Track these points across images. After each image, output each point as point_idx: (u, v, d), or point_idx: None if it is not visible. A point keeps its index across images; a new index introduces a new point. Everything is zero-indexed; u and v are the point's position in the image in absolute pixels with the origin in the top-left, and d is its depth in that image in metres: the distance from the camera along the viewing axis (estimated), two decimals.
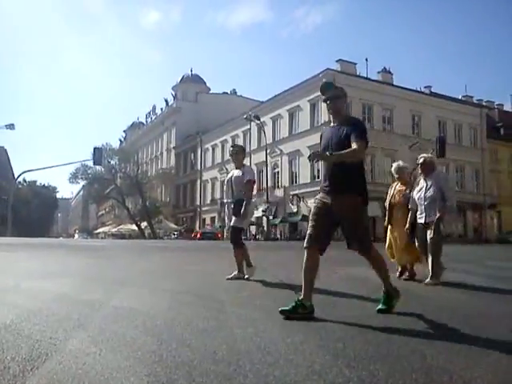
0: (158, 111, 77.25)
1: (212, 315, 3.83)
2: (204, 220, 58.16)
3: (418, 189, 6.44)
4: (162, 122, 72.42)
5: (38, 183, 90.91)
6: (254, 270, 6.60)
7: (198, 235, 45.03)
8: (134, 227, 63.00)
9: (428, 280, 6.04)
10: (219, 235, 48.44)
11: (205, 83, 75.49)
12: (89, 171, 63.16)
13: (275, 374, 2.32)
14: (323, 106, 39.35)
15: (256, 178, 41.77)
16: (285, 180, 44.11)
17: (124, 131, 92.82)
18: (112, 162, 63.63)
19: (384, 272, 4.05)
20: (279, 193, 43.93)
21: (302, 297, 3.81)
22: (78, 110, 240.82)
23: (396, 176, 7.11)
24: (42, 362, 2.48)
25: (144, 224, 61.19)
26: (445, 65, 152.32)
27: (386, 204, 7.15)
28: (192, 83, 72.62)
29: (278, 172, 45.33)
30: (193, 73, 75.11)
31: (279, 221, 42.65)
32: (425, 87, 50.11)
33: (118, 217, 77.42)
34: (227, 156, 53.81)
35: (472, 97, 55.69)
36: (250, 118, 44.15)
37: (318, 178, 39.07)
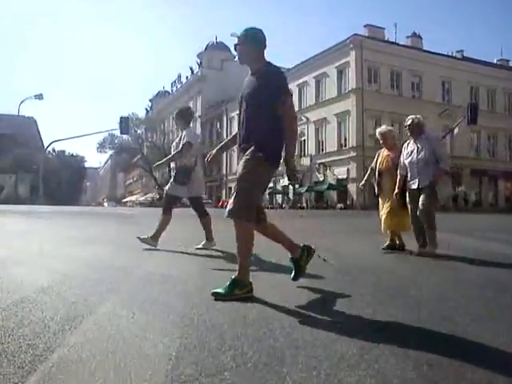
0: (184, 80, 77.01)
1: None
2: (230, 189, 58.43)
3: (406, 153, 5.94)
4: (188, 91, 72.17)
5: (66, 153, 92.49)
6: (212, 244, 6.20)
7: (225, 204, 45.64)
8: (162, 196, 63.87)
9: (420, 249, 5.74)
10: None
11: (230, 51, 74.01)
12: (116, 141, 63.95)
13: (305, 338, 2.34)
14: (351, 73, 38.58)
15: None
16: (311, 148, 43.73)
17: (150, 100, 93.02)
18: (139, 132, 64.16)
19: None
20: (305, 161, 43.61)
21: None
22: (105, 80, 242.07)
23: (381, 141, 6.58)
24: (79, 323, 2.56)
25: None
26: (479, 27, 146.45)
27: (376, 173, 6.61)
28: (217, 51, 71.76)
29: (304, 140, 44.88)
30: (217, 40, 74.19)
31: (305, 189, 42.51)
32: (457, 52, 48.29)
33: (146, 185, 78.47)
34: None
35: (508, 60, 53.46)
36: None
37: (346, 146, 38.70)
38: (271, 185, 47.91)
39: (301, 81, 45.03)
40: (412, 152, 5.81)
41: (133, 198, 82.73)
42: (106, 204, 78.83)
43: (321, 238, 7.95)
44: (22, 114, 61.81)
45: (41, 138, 71.57)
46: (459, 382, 1.83)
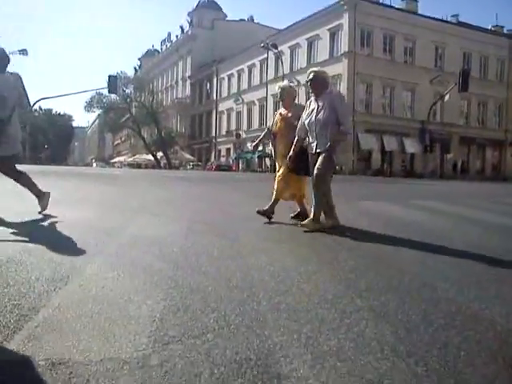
0: (174, 39, 75.26)
1: (226, 244, 3.92)
2: (220, 151, 58.15)
3: (307, 112, 5.11)
4: (177, 50, 70.60)
5: (53, 111, 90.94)
6: (46, 199, 5.65)
7: (214, 167, 45.51)
8: (150, 157, 63.36)
9: (307, 221, 4.95)
10: (233, 168, 48.86)
11: (221, 10, 72.65)
12: (104, 100, 62.71)
13: (287, 302, 2.39)
14: (343, 36, 37.96)
15: (273, 109, 40.58)
16: None
17: (139, 59, 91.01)
18: (127, 91, 62.99)
19: None
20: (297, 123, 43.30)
21: None
22: (94, 37, 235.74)
23: (279, 97, 5.84)
24: (64, 284, 2.58)
25: (160, 154, 61.49)
26: None
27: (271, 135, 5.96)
28: (208, 9, 69.90)
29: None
30: None
31: None
32: (451, 16, 47.54)
33: (134, 146, 77.69)
34: (244, 86, 52.94)
35: (503, 27, 52.67)
36: (268, 46, 42.81)
37: None
38: (260, 148, 47.76)
39: (293, 42, 44.23)
40: (312, 111, 5.02)
41: (121, 158, 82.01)
42: (94, 164, 78.08)
43: None
44: (7, 71, 60.19)
45: (27, 96, 70.14)
46: (435, 345, 1.89)
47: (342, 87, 37.85)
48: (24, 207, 5.79)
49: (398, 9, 41.73)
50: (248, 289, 2.59)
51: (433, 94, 39.34)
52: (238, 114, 54.32)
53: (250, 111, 51.99)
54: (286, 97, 5.74)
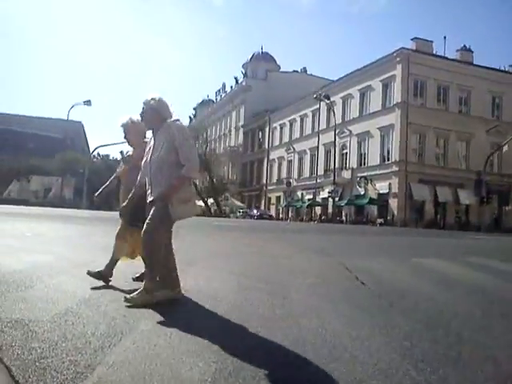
0: (228, 89, 78.05)
1: (278, 303, 3.88)
2: (269, 199, 58.53)
3: (146, 151, 4.02)
4: (232, 100, 73.02)
5: (110, 157, 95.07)
6: None
7: (256, 216, 46.63)
8: (201, 203, 64.61)
9: (134, 294, 3.63)
10: (274, 216, 49.65)
11: (275, 61, 75.06)
12: None
13: (341, 370, 2.33)
14: (396, 87, 38.05)
15: (324, 159, 40.83)
16: (353, 161, 43.26)
17: (194, 108, 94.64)
18: None
19: None
20: (347, 174, 43.15)
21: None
22: (151, 87, 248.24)
23: (124, 135, 4.74)
24: (119, 340, 2.63)
25: (211, 201, 62.57)
26: None
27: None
28: (262, 61, 72.44)
29: (346, 153, 44.48)
30: (263, 51, 74.92)
31: (345, 203, 42.07)
32: (509, 66, 46.84)
33: None
34: (295, 135, 53.65)
35: None
36: (320, 97, 43.56)
37: (388, 160, 38.10)
38: (310, 197, 47.76)
39: (345, 93, 44.75)
40: (150, 150, 3.96)
41: None
42: None
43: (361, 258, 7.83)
44: (71, 119, 64.22)
45: (87, 142, 73.96)
46: None
47: (395, 137, 37.67)
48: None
49: (451, 59, 41.59)
50: (301, 354, 2.54)
51: (489, 144, 38.34)
52: (289, 162, 54.85)
53: (301, 160, 52.42)
54: (130, 134, 4.66)
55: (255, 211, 50.56)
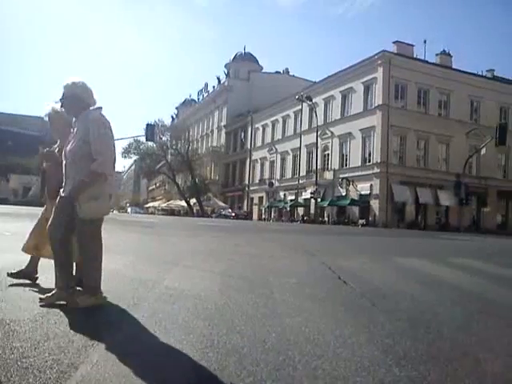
0: (210, 89, 77.83)
1: (261, 302, 3.89)
2: (252, 199, 58.53)
3: (68, 142, 3.68)
4: (214, 100, 72.85)
5: None
6: None
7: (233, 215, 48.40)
8: (184, 203, 64.35)
9: (51, 293, 3.45)
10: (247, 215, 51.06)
11: (257, 62, 75.09)
12: (141, 146, 64.88)
13: (324, 368, 2.35)
14: (377, 89, 38.42)
15: (306, 159, 40.89)
16: (335, 163, 43.51)
17: (176, 108, 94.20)
18: (164, 139, 64.92)
19: None
20: (329, 175, 43.38)
21: None
22: (133, 87, 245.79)
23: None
24: (102, 339, 2.61)
25: (193, 201, 62.38)
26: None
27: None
28: (245, 62, 72.40)
29: (328, 154, 44.70)
30: (246, 51, 74.91)
31: (327, 203, 42.29)
32: (487, 71, 47.70)
33: (168, 192, 79.15)
34: (278, 136, 53.75)
35: None
36: (302, 98, 43.68)
37: (369, 161, 38.42)
38: (293, 197, 47.91)
39: (327, 94, 45.00)
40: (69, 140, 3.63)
41: (155, 203, 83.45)
42: (129, 210, 78.89)
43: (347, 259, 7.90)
44: None
45: None
46: None
47: (376, 139, 38.01)
48: None
49: (431, 63, 42.16)
50: (284, 352, 2.56)
51: (468, 146, 38.95)
52: (272, 163, 54.92)
53: (283, 161, 52.53)
54: (54, 125, 4.25)
55: (229, 211, 51.39)
